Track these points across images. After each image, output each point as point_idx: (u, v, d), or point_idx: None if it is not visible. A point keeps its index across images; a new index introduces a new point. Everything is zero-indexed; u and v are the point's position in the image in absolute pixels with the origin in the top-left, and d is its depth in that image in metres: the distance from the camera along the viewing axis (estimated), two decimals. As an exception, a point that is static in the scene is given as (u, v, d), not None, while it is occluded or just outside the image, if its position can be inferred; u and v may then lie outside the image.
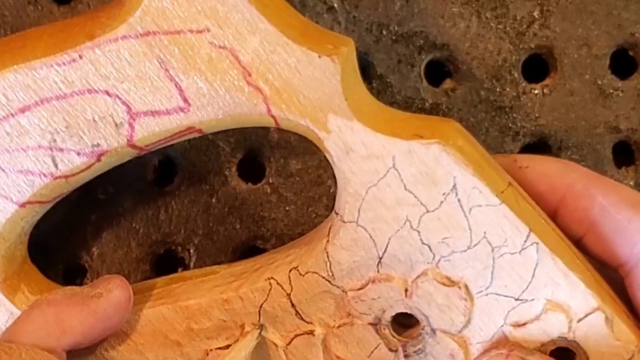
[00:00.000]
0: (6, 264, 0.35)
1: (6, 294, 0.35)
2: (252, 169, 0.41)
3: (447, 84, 0.41)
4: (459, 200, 0.32)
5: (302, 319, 0.35)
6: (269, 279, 0.34)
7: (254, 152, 0.41)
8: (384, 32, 0.40)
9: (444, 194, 0.32)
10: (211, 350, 0.36)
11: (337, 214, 0.33)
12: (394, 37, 0.40)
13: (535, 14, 0.40)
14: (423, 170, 0.32)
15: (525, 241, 0.32)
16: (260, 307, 0.35)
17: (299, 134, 0.33)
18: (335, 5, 0.40)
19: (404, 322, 0.35)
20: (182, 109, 0.32)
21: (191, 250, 0.41)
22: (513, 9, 0.40)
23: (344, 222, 0.33)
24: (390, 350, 0.35)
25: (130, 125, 0.33)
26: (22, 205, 0.34)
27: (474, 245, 0.32)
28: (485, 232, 0.32)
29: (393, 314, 0.34)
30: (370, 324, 0.34)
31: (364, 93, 0.33)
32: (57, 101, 0.32)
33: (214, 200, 0.40)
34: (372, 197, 0.32)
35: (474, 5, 0.40)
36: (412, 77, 0.41)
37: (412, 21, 0.40)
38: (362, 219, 0.33)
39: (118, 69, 0.32)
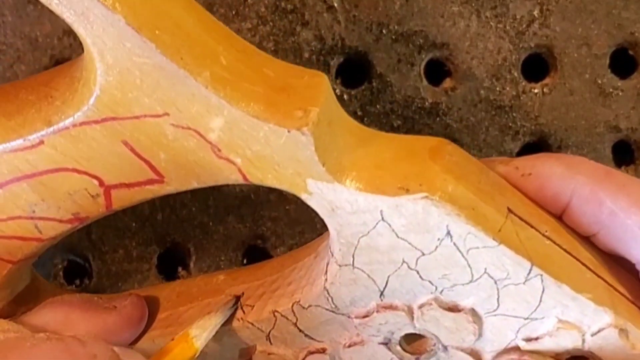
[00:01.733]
0: (6, 300, 0.35)
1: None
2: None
3: (447, 83, 0.41)
4: (454, 244, 0.31)
5: (312, 339, 0.35)
6: (272, 311, 0.34)
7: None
8: (384, 31, 0.40)
9: (438, 239, 0.31)
10: None
11: (332, 254, 0.32)
12: (393, 37, 0.40)
13: (535, 13, 0.40)
14: (414, 221, 0.31)
15: (529, 274, 0.31)
16: (269, 333, 0.35)
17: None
18: (335, 5, 0.40)
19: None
20: (156, 181, 0.31)
21: (191, 250, 0.41)
22: (513, 8, 0.40)
23: (339, 265, 0.32)
24: None
25: (106, 195, 0.31)
26: (15, 263, 0.33)
27: (476, 279, 0.32)
28: (486, 269, 0.31)
29: (402, 334, 0.34)
30: (381, 343, 0.34)
31: (343, 143, 0.32)
32: (27, 180, 0.31)
33: (213, 199, 0.40)
34: (365, 245, 0.31)
35: (473, 5, 0.40)
36: (412, 76, 0.41)
37: (411, 20, 0.40)
38: (357, 262, 0.32)
39: (82, 150, 0.30)
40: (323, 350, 0.35)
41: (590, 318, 0.32)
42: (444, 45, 0.40)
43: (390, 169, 0.31)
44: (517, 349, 0.33)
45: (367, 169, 0.31)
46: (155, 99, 0.29)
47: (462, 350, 0.34)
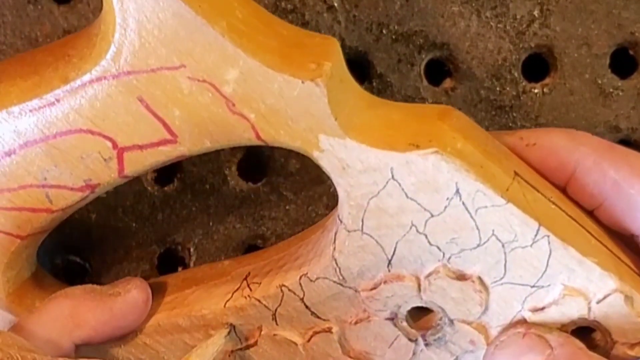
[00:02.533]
0: (12, 284, 0.35)
1: (12, 308, 0.35)
2: (252, 168, 0.41)
3: (447, 83, 0.41)
4: (463, 203, 0.31)
5: (318, 317, 0.35)
6: (280, 286, 0.34)
7: (254, 151, 0.40)
8: (384, 32, 0.40)
9: (447, 199, 0.31)
10: (232, 351, 0.36)
11: (341, 221, 0.33)
12: (394, 37, 0.40)
13: (535, 13, 0.40)
14: (423, 179, 0.31)
15: (536, 235, 0.32)
16: (275, 311, 0.35)
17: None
18: (335, 5, 0.40)
19: (422, 308, 0.35)
20: (169, 141, 0.32)
21: (191, 250, 0.41)
22: (513, 8, 0.40)
23: (348, 231, 0.33)
24: (410, 340, 0.35)
25: (119, 159, 0.32)
26: (24, 238, 0.34)
27: (484, 243, 0.32)
28: (493, 230, 0.32)
29: (408, 308, 0.34)
30: (387, 318, 0.34)
31: (354, 103, 0.32)
32: (41, 143, 0.32)
33: (213, 199, 0.40)
34: (374, 207, 0.32)
35: (474, 5, 0.40)
36: (412, 77, 0.41)
37: (412, 20, 0.40)
38: (366, 227, 0.32)
39: (97, 108, 0.31)
40: (329, 330, 0.35)
41: (596, 284, 0.32)
42: (444, 45, 0.40)
43: (400, 127, 0.32)
44: (523, 322, 0.33)
45: (377, 128, 0.32)
46: (172, 50, 0.30)
47: (469, 324, 0.34)
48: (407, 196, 0.32)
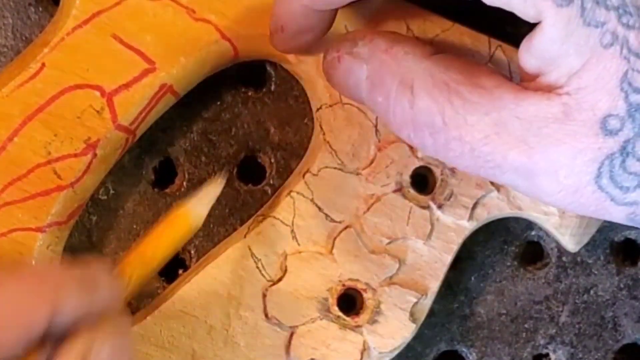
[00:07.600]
0: None
1: None
2: (252, 170, 0.41)
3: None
4: None
5: (333, 220, 0.36)
6: (288, 193, 0.36)
7: (255, 154, 0.41)
8: (384, 33, 0.40)
9: None
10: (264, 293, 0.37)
11: (318, 109, 0.36)
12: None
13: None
14: None
15: (489, 49, 0.35)
16: (292, 225, 0.36)
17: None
18: (336, 6, 0.40)
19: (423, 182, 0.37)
20: (149, 71, 0.34)
21: (192, 252, 0.41)
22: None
23: (329, 106, 0.35)
24: (423, 208, 0.36)
25: (110, 106, 0.34)
26: (43, 230, 0.34)
27: None
28: None
29: (410, 173, 0.36)
30: (395, 191, 0.36)
31: None
32: (37, 115, 0.34)
33: (215, 200, 0.40)
34: None
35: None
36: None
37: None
38: (344, 97, 0.35)
39: (80, 59, 0.34)
40: (345, 229, 0.36)
41: None
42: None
43: None
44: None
45: None
46: None
47: None
48: None
